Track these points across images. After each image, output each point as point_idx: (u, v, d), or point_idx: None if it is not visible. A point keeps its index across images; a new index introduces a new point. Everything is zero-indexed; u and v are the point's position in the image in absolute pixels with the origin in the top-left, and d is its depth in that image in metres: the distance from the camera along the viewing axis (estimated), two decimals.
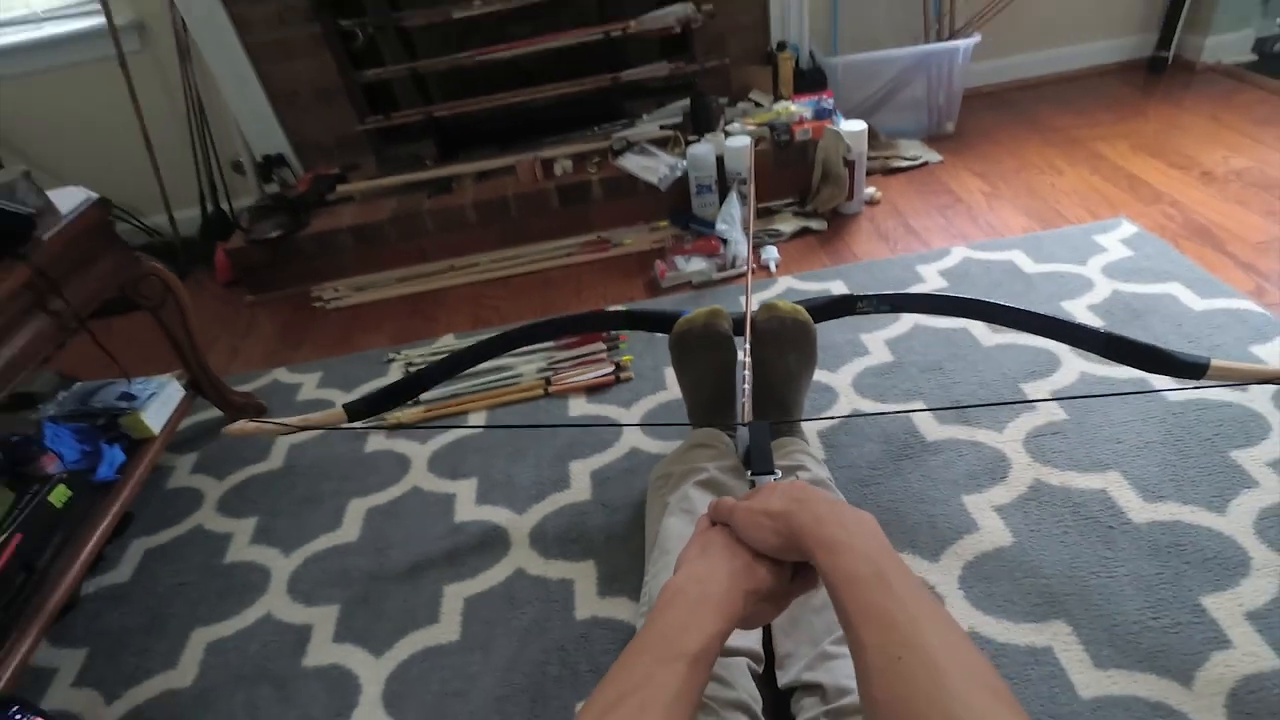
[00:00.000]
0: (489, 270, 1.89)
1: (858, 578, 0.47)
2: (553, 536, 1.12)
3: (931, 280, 1.54)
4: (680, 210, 1.91)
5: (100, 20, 1.97)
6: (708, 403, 1.09)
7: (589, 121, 2.12)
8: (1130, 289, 1.40)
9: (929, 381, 1.28)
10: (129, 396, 1.28)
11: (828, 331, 1.23)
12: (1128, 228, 1.58)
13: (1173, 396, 1.15)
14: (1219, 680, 0.80)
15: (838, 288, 1.57)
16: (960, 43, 1.99)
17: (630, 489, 1.17)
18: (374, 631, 1.03)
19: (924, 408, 1.22)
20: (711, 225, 1.75)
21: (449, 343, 1.64)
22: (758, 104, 2.08)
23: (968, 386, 1.25)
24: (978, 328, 1.37)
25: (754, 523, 0.54)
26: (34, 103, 2.14)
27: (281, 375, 1.64)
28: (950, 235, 1.70)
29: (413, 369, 1.56)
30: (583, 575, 1.05)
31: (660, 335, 1.10)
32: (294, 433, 1.38)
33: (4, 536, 1.00)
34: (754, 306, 1.03)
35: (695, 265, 1.67)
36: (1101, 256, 1.50)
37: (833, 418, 1.24)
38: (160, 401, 1.31)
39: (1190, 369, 0.86)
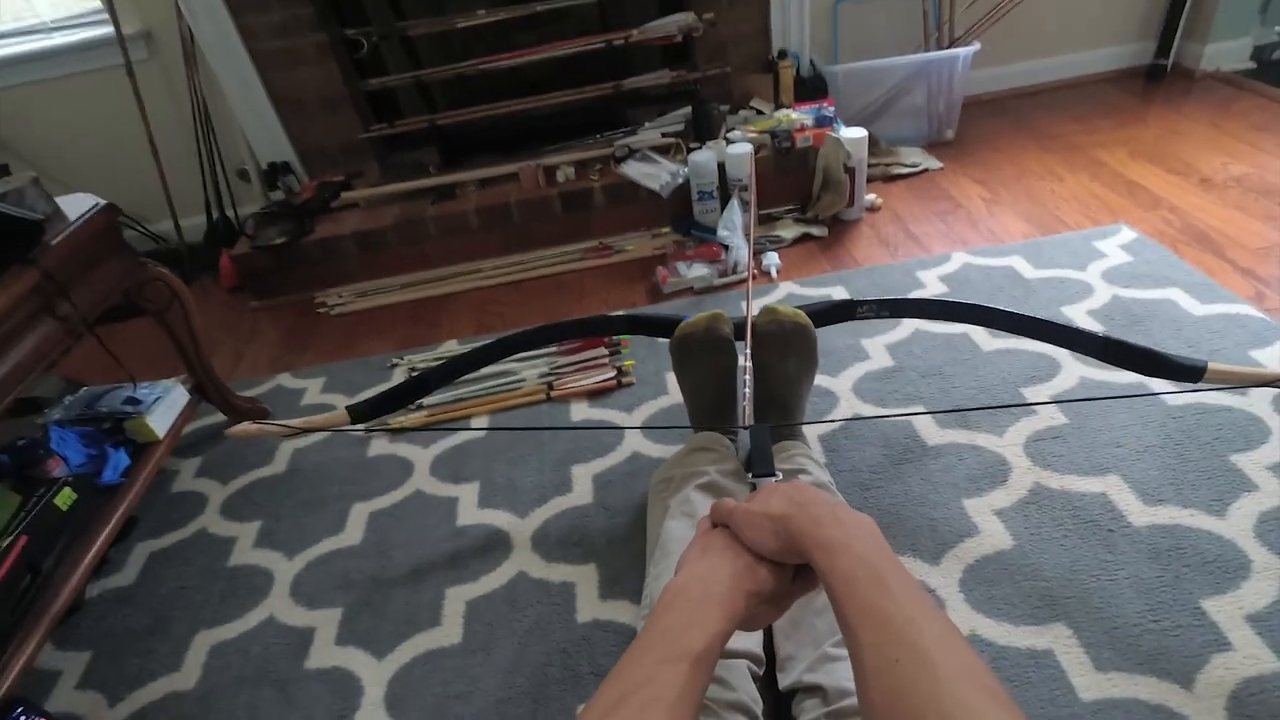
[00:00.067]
0: (492, 276, 1.90)
1: (855, 579, 0.47)
2: (554, 540, 1.13)
3: (932, 285, 1.55)
4: (682, 217, 1.92)
5: (108, 29, 1.99)
6: (709, 407, 1.10)
7: (591, 129, 2.13)
8: (1130, 294, 1.41)
9: (929, 386, 1.28)
10: (134, 401, 1.29)
11: (828, 336, 1.24)
12: (1127, 233, 1.59)
13: (1172, 401, 1.15)
14: (1219, 683, 0.80)
15: (839, 293, 1.58)
16: (960, 51, 2.00)
17: (631, 492, 1.17)
18: (376, 634, 1.04)
19: (924, 411, 1.23)
20: (713, 231, 1.76)
21: (452, 348, 1.65)
22: (759, 112, 2.09)
23: (968, 391, 1.25)
24: (978, 333, 1.37)
25: (754, 525, 0.54)
26: (43, 110, 2.16)
27: (285, 380, 1.65)
28: (950, 241, 1.71)
29: (415, 374, 1.56)
30: (584, 578, 1.05)
31: (662, 340, 1.10)
32: (297, 435, 1.40)
33: (10, 539, 1.01)
34: (755, 311, 1.03)
35: (697, 271, 1.68)
36: (1101, 262, 1.51)
37: (834, 421, 1.24)
38: (165, 406, 1.32)
39: (1187, 372, 0.87)
